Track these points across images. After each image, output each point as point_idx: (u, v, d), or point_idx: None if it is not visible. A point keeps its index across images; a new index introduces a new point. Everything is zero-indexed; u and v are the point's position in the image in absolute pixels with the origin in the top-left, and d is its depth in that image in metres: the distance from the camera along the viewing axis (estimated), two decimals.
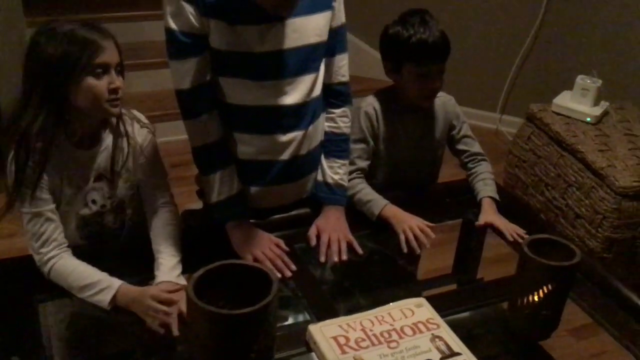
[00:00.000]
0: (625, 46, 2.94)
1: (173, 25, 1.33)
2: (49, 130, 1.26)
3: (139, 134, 1.41)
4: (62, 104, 1.27)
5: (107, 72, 1.27)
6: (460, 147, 1.76)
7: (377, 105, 1.66)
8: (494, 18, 3.39)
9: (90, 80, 1.25)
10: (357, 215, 1.60)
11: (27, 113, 1.25)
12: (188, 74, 1.36)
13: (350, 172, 1.63)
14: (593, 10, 3.08)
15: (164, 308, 1.20)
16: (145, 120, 1.45)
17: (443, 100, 1.72)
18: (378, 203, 1.58)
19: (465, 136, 1.76)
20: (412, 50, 1.55)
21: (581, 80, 2.61)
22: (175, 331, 1.19)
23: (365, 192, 1.61)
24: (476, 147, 1.76)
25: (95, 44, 1.25)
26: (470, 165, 1.74)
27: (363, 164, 1.66)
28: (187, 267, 1.34)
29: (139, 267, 1.35)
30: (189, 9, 1.30)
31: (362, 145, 1.66)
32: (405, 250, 1.51)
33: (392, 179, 1.73)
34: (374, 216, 1.58)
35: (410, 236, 1.50)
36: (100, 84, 1.26)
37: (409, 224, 1.52)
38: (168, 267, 1.32)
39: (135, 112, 1.43)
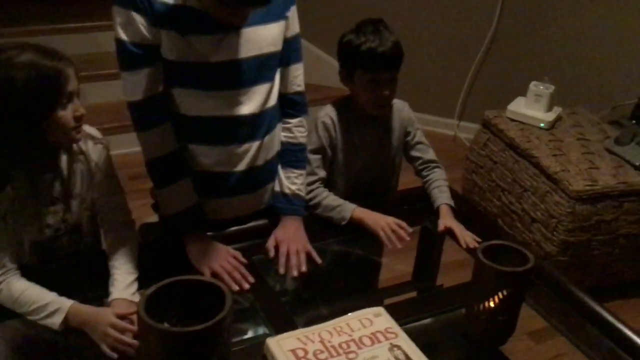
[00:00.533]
0: (576, 52, 3.01)
1: (123, 36, 1.30)
2: (30, 161, 1.24)
3: (94, 151, 1.37)
4: (33, 136, 1.22)
5: (71, 101, 1.24)
6: (414, 153, 1.77)
7: (334, 114, 1.66)
8: (449, 27, 3.44)
9: (59, 112, 1.22)
10: (317, 225, 1.60)
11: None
12: (140, 86, 1.33)
13: (312, 182, 1.63)
14: (545, 18, 3.15)
15: (128, 340, 1.17)
16: (99, 136, 1.40)
17: (398, 107, 1.73)
18: (348, 206, 1.59)
19: (419, 142, 1.77)
20: (362, 57, 1.57)
21: (534, 86, 2.66)
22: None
23: (331, 197, 1.62)
24: (430, 154, 1.77)
25: (63, 74, 1.20)
26: (424, 172, 1.75)
27: (323, 173, 1.66)
28: (145, 281, 1.31)
29: (94, 283, 1.32)
30: (139, 19, 1.28)
31: (320, 155, 1.66)
32: (390, 246, 1.54)
33: (351, 188, 1.73)
34: (345, 219, 1.58)
35: (389, 233, 1.54)
36: (67, 115, 1.23)
37: (385, 222, 1.56)
38: (124, 284, 1.29)
39: (88, 128, 1.38)
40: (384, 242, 1.55)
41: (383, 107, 1.65)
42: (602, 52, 2.88)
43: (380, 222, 1.56)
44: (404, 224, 1.57)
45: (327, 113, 1.67)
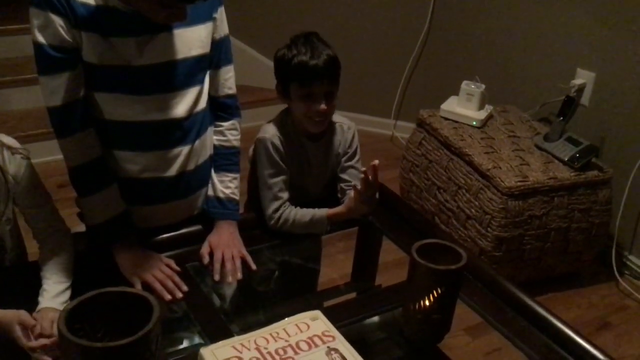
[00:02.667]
0: (505, 52, 3.09)
1: (41, 39, 1.25)
2: None
3: (11, 162, 1.29)
4: None
5: None
6: (344, 176, 1.68)
7: (279, 133, 1.60)
8: (383, 30, 3.48)
9: None
10: (253, 228, 1.57)
11: None
12: (59, 90, 1.28)
13: (278, 208, 1.56)
14: (474, 20, 3.22)
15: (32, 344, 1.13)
16: (17, 145, 1.32)
17: (342, 128, 1.68)
18: (320, 215, 1.57)
19: (353, 167, 1.68)
20: (295, 70, 1.52)
21: (466, 85, 2.71)
22: None
23: (301, 213, 1.57)
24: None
25: None
26: (348, 191, 1.66)
27: (286, 195, 1.59)
28: (79, 293, 1.26)
29: (24, 296, 1.26)
30: (58, 21, 1.23)
31: (280, 178, 1.59)
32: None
33: (298, 203, 1.65)
34: (324, 229, 1.57)
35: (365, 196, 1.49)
36: None
37: (356, 198, 1.52)
38: (53, 293, 1.24)
39: (4, 138, 1.31)
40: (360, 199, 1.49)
41: (320, 123, 1.58)
42: (530, 51, 2.96)
43: (357, 209, 1.53)
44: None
45: (274, 134, 1.59)
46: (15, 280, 1.35)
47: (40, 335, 1.17)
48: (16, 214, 1.38)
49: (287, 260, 1.73)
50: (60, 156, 1.39)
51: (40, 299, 1.24)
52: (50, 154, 2.46)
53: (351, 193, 1.56)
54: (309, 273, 1.83)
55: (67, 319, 0.86)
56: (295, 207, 1.59)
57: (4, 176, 1.28)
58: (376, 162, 1.42)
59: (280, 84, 1.59)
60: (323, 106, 1.53)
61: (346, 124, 1.69)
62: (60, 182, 2.40)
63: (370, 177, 1.43)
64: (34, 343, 1.15)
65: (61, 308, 1.21)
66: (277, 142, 1.59)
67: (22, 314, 1.18)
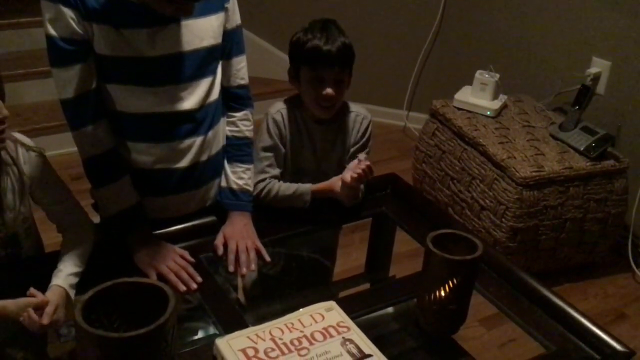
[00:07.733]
0: (520, 41, 3.06)
1: (52, 32, 1.25)
2: None
3: (26, 159, 1.29)
4: None
5: None
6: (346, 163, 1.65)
7: (284, 111, 1.61)
8: (396, 19, 3.46)
9: None
10: (267, 220, 1.57)
11: None
12: (71, 83, 1.28)
13: (263, 180, 1.58)
14: (487, 9, 3.19)
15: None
16: (31, 143, 1.32)
17: (357, 117, 1.67)
18: (304, 188, 1.57)
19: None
20: (307, 54, 1.53)
21: (479, 75, 2.69)
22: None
23: (285, 186, 1.58)
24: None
25: None
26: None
27: (275, 171, 1.60)
28: (95, 284, 1.27)
29: (39, 287, 1.26)
30: (69, 13, 1.23)
31: (271, 153, 1.60)
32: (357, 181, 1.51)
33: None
34: (307, 202, 1.56)
35: (354, 176, 1.50)
36: None
37: (343, 176, 1.53)
38: (65, 273, 1.25)
39: (18, 135, 1.30)
40: (349, 183, 1.51)
41: (327, 109, 1.58)
42: (545, 40, 2.93)
43: (337, 182, 1.54)
44: (355, 163, 1.53)
45: (279, 109, 1.61)
46: (31, 272, 1.35)
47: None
48: (32, 212, 1.38)
49: (301, 251, 1.73)
50: (74, 148, 1.39)
51: (53, 277, 1.25)
52: (63, 147, 2.47)
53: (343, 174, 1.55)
54: (324, 264, 1.83)
55: (84, 310, 0.87)
56: None
57: (20, 174, 1.28)
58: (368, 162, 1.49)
59: (293, 67, 1.60)
60: (330, 90, 1.53)
61: (362, 114, 1.68)
62: (74, 174, 2.41)
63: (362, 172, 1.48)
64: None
65: (69, 289, 1.23)
66: (279, 117, 1.61)
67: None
